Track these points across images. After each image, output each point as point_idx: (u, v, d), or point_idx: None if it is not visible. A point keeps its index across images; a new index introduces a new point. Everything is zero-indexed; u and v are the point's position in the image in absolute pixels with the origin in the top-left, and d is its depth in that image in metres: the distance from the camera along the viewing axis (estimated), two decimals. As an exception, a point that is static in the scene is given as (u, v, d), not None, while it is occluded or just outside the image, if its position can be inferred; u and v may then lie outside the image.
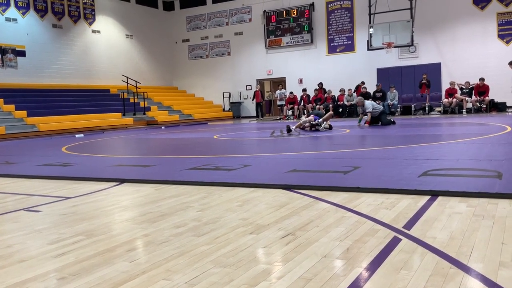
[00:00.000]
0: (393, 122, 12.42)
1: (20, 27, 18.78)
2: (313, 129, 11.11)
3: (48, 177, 5.61)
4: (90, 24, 21.83)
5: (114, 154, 8.44)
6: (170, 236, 2.84)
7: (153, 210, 3.57)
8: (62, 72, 20.36)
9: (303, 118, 11.91)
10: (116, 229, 3.10)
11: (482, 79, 16.74)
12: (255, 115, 22.74)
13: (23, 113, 15.96)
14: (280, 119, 20.36)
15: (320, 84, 20.52)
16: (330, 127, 11.24)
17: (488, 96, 16.71)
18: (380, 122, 12.14)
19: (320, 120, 11.07)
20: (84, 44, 21.46)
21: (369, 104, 12.33)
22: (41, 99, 17.94)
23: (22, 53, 18.76)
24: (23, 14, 18.95)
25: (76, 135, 14.49)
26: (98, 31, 22.20)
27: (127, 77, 21.19)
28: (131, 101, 20.25)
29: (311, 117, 11.33)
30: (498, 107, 16.74)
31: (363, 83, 19.12)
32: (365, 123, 12.11)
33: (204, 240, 2.71)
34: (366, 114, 12.22)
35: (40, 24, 19.60)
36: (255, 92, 22.32)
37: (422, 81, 18.59)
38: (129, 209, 3.71)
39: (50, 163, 7.00)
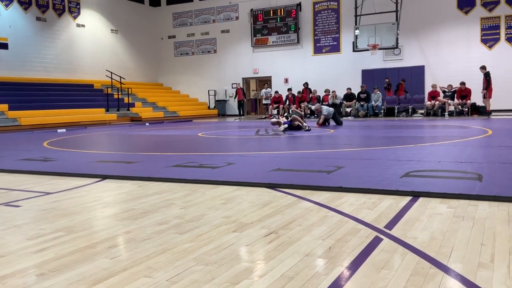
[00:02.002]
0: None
1: (3, 19, 18.44)
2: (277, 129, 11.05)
3: (29, 172, 5.53)
4: (75, 18, 21.56)
5: (96, 150, 8.35)
6: (152, 233, 2.82)
7: (136, 207, 3.54)
8: (45, 66, 20.08)
9: (276, 118, 11.92)
10: (97, 226, 3.07)
11: (463, 83, 16.97)
12: (242, 113, 22.78)
13: (4, 107, 15.69)
14: (265, 118, 20.37)
15: (306, 84, 20.60)
16: (299, 128, 11.15)
17: (470, 100, 16.96)
18: (328, 123, 13.23)
19: (281, 128, 10.91)
20: (68, 38, 21.18)
21: (325, 109, 13.19)
22: (23, 92, 17.66)
23: (4, 46, 18.44)
24: (6, 6, 18.62)
25: (58, 130, 14.30)
26: (83, 25, 21.94)
27: (111, 73, 20.98)
28: (115, 96, 20.06)
29: (283, 123, 11.10)
30: (480, 111, 17.00)
31: (404, 80, 19.15)
32: (317, 124, 12.96)
33: (187, 237, 2.70)
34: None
35: (23, 16, 19.28)
36: (237, 90, 22.39)
37: (384, 85, 19.04)
38: (111, 206, 3.68)
39: (31, 157, 6.90)
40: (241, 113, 22.26)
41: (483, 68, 16.70)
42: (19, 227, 3.04)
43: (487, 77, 16.49)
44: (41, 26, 20.00)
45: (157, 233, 2.81)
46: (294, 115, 11.57)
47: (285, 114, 11.66)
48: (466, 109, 17.01)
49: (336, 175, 4.48)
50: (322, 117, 12.89)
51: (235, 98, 22.78)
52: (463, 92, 17.01)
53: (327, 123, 13.15)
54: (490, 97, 16.50)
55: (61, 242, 2.68)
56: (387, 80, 19.27)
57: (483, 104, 17.00)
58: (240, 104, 22.32)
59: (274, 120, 11.65)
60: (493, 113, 16.95)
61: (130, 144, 9.53)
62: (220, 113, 24.48)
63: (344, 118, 17.56)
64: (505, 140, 7.53)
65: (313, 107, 13.06)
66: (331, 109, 13.43)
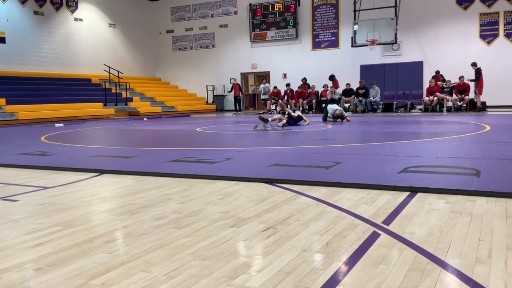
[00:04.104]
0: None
1: (0, 13, 18.35)
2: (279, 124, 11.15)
3: (26, 166, 5.51)
4: (73, 12, 21.46)
5: (94, 144, 8.34)
6: (150, 228, 2.81)
7: (133, 202, 3.54)
8: (43, 60, 19.99)
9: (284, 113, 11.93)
10: (94, 220, 3.06)
11: (462, 77, 16.98)
12: (238, 108, 22.77)
13: (1, 101, 15.63)
14: (263, 113, 20.36)
15: (304, 80, 20.57)
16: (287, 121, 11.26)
17: (468, 95, 16.97)
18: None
19: (284, 121, 11.02)
20: (66, 32, 21.09)
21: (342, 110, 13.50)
22: (20, 87, 17.60)
23: (1, 40, 18.35)
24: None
25: (56, 125, 14.26)
26: (81, 19, 21.84)
27: (109, 67, 20.92)
28: (113, 91, 20.00)
29: (284, 119, 11.19)
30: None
31: (437, 72, 18.44)
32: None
33: (184, 232, 2.70)
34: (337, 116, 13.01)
35: (21, 10, 19.18)
36: (233, 85, 22.41)
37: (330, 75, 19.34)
38: (109, 200, 3.67)
39: (29, 152, 6.88)
40: (238, 108, 22.28)
41: (474, 64, 16.82)
42: (17, 222, 3.03)
43: (477, 73, 16.60)
44: (39, 20, 19.91)
45: (155, 228, 2.81)
46: (288, 110, 11.69)
47: (292, 110, 11.70)
48: (464, 105, 17.01)
49: (334, 171, 4.48)
50: (347, 118, 13.11)
51: (230, 91, 22.88)
52: (462, 87, 17.02)
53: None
54: (480, 93, 16.61)
55: (58, 237, 2.67)
56: (332, 74, 19.56)
57: (482, 100, 17.03)
58: (236, 100, 22.39)
59: (276, 116, 11.66)
60: (492, 109, 16.98)
61: (127, 139, 9.51)
62: (218, 108, 24.44)
63: None
64: (503, 136, 7.54)
65: (336, 112, 13.01)
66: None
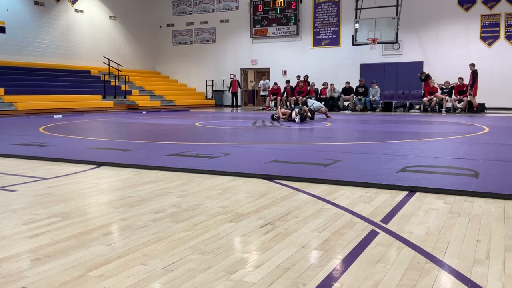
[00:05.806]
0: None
1: (0, 3, 18.26)
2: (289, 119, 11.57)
3: (24, 156, 5.50)
4: (73, 3, 21.37)
5: (93, 136, 8.32)
6: (148, 221, 2.81)
7: (132, 195, 3.53)
8: (42, 51, 19.93)
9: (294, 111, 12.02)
10: (93, 212, 3.06)
11: (461, 79, 17.00)
12: (235, 104, 22.78)
13: (0, 91, 15.58)
14: (262, 109, 20.35)
15: (306, 77, 20.56)
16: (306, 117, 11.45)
17: (467, 96, 16.99)
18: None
19: (297, 116, 11.29)
20: (66, 23, 21.00)
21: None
22: (19, 77, 17.54)
23: (1, 29, 18.27)
24: (4, -11, 18.44)
25: (54, 116, 14.23)
26: (81, 11, 21.75)
27: (109, 59, 20.86)
28: (112, 84, 19.95)
29: (294, 113, 11.44)
30: (477, 108, 17.03)
31: (421, 72, 18.44)
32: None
33: (183, 226, 2.69)
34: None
35: (21, 0, 19.09)
36: (231, 81, 22.42)
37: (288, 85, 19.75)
38: (107, 193, 3.66)
39: (27, 142, 6.86)
40: (234, 104, 22.32)
41: (472, 65, 16.85)
42: (14, 212, 3.03)
43: (474, 74, 16.65)
44: (39, 10, 19.82)
45: (153, 221, 2.81)
46: (296, 108, 11.84)
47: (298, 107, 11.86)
48: (464, 107, 17.03)
49: (333, 168, 4.48)
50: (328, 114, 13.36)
51: (229, 89, 22.94)
52: (461, 88, 17.04)
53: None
54: (475, 94, 16.68)
55: (56, 228, 2.67)
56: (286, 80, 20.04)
57: (481, 102, 17.07)
58: (234, 95, 22.46)
59: (290, 111, 11.83)
60: (491, 111, 17.01)
61: (126, 132, 9.49)
62: (217, 103, 24.41)
63: (341, 111, 17.67)
64: (502, 138, 7.55)
65: (322, 110, 13.14)
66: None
